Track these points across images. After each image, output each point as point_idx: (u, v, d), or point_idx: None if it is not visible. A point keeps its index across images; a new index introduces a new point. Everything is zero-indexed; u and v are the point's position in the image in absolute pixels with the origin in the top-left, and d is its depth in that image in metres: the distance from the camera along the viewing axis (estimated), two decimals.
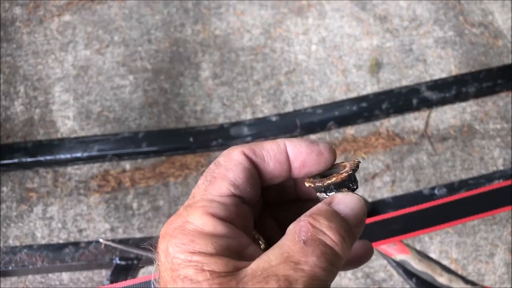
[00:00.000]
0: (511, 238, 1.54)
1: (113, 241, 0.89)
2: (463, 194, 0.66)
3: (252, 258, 0.30)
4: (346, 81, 1.72)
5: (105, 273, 1.45)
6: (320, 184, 0.34)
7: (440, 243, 1.53)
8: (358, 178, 0.35)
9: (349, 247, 0.30)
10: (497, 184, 0.63)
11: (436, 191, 0.87)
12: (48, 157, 1.17)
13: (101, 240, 0.88)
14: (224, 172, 0.33)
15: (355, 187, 0.34)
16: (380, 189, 1.59)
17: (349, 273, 1.48)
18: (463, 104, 1.67)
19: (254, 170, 0.34)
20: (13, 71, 1.76)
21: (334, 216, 0.31)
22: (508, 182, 0.65)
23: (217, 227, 0.30)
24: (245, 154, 0.34)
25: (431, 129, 1.67)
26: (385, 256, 0.81)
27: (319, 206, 0.32)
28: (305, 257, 0.28)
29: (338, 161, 0.37)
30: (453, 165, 1.62)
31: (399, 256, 0.82)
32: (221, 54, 1.77)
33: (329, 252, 0.29)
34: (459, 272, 1.48)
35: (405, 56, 1.77)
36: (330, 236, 0.30)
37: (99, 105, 1.69)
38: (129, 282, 0.54)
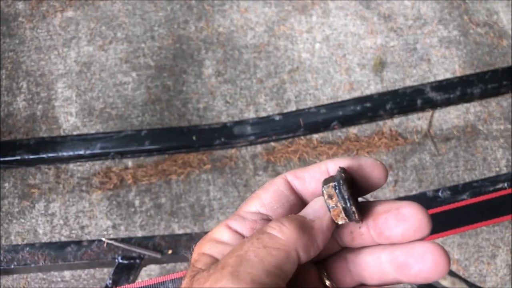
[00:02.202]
0: None
1: (115, 240, 0.89)
2: (469, 201, 0.66)
3: None
4: (349, 80, 1.72)
5: (107, 270, 1.45)
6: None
7: (441, 244, 1.52)
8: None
9: (291, 229, 0.31)
10: (504, 191, 0.63)
11: (440, 194, 0.86)
12: (51, 155, 1.16)
13: (103, 239, 0.88)
14: (259, 193, 0.36)
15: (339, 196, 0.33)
16: (382, 188, 1.58)
17: None
18: (467, 104, 1.66)
19: (289, 191, 0.36)
20: (16, 67, 1.75)
21: (287, 216, 0.33)
22: None
23: (223, 235, 0.34)
24: (285, 178, 0.37)
25: (434, 129, 1.66)
26: None
27: None
28: (241, 246, 0.31)
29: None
30: (456, 165, 1.61)
31: None
32: (224, 51, 1.77)
33: (263, 236, 0.31)
34: (461, 273, 1.48)
35: (409, 55, 1.76)
36: (269, 225, 0.32)
37: (101, 102, 1.69)
38: (171, 276, 0.56)
